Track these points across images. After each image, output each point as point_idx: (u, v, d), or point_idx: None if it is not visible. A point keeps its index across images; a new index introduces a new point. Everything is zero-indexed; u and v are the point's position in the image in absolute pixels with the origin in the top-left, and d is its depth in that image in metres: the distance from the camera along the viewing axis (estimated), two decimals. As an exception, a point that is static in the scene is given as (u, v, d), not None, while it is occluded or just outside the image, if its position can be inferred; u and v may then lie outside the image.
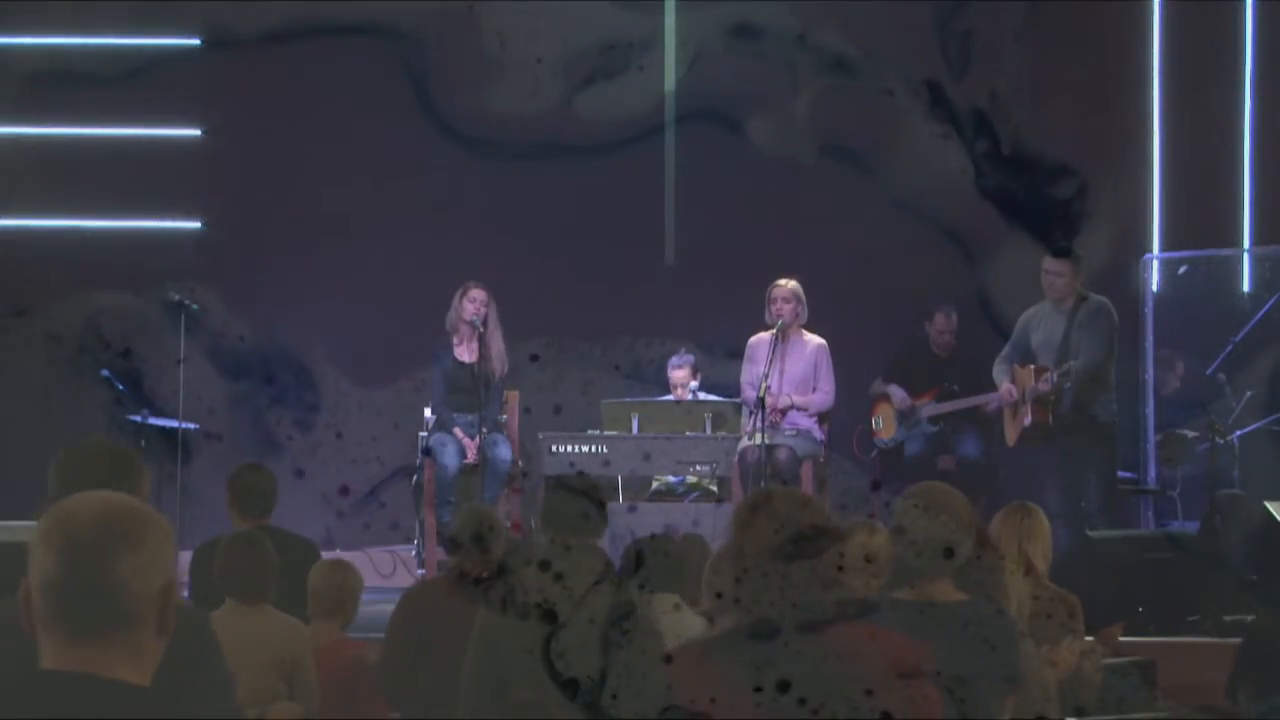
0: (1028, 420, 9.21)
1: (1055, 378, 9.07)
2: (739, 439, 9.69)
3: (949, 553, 4.17)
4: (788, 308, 9.83)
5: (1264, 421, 10.19)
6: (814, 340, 9.98)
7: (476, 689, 5.00)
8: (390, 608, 6.09)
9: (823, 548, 3.41)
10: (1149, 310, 10.64)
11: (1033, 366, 9.25)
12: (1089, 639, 5.89)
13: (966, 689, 4.00)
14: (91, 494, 2.41)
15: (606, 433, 9.89)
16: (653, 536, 6.18)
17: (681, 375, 10.37)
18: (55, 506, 2.40)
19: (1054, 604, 5.73)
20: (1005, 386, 9.34)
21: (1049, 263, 9.30)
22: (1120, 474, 9.78)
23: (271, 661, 5.49)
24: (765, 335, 9.96)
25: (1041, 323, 9.37)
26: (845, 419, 10.40)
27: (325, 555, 6.97)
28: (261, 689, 5.37)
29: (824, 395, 9.93)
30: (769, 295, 9.89)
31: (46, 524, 2.37)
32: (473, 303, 9.98)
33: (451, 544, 5.80)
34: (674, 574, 5.76)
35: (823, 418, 10.00)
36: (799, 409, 9.87)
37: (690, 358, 10.46)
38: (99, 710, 2.31)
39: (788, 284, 9.87)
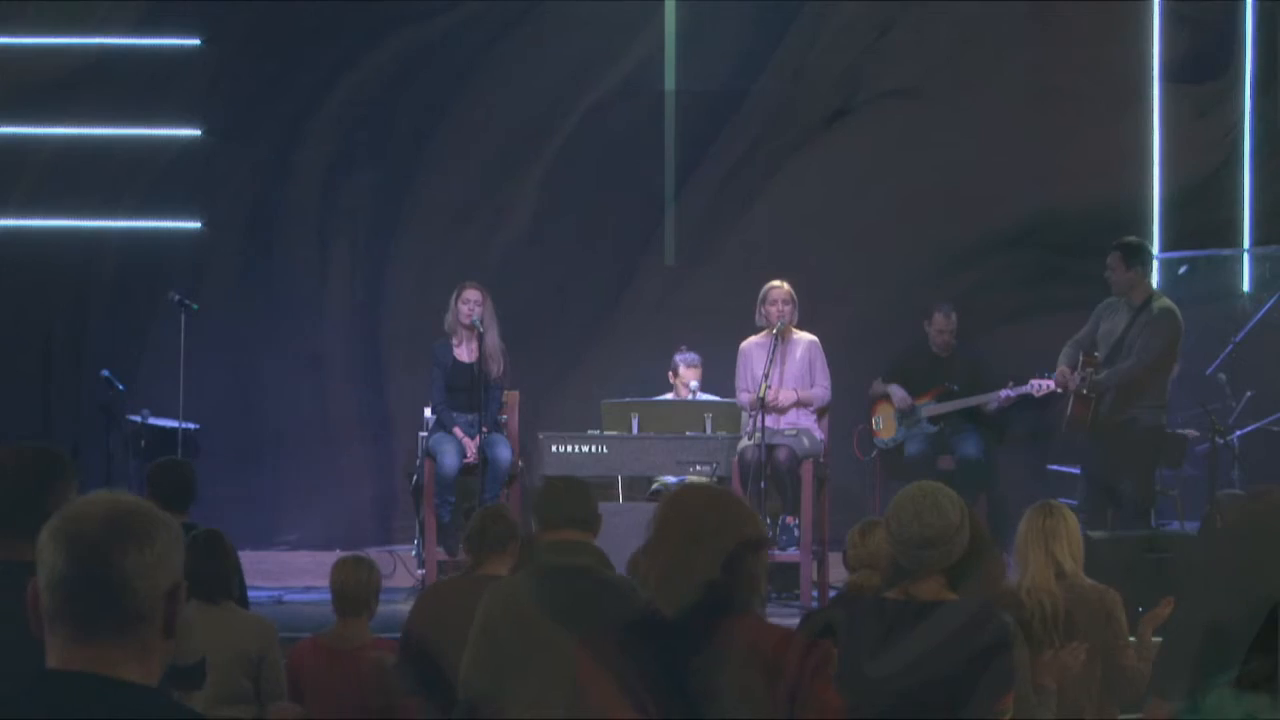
0: (1070, 412, 9.35)
1: (1081, 377, 9.20)
2: (739, 439, 9.70)
3: (938, 552, 4.14)
4: (787, 309, 9.88)
5: (1264, 421, 10.19)
6: (806, 337, 10.03)
7: (474, 681, 5.01)
8: (392, 608, 6.07)
9: (733, 544, 3.47)
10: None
11: (1083, 356, 9.37)
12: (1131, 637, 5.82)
13: (954, 689, 3.99)
14: (100, 494, 2.41)
15: (606, 433, 9.89)
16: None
17: (692, 374, 10.37)
18: (65, 506, 2.40)
19: (1092, 601, 5.68)
20: (1061, 370, 9.47)
21: (1108, 257, 9.45)
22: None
23: (237, 658, 5.46)
24: (757, 338, 10.00)
25: (1111, 314, 9.49)
26: (845, 419, 10.40)
27: (323, 555, 6.93)
28: (229, 686, 5.35)
29: (822, 390, 9.99)
30: (764, 297, 9.93)
31: (55, 523, 2.37)
32: (466, 304, 9.97)
33: (472, 543, 5.78)
34: None
35: (821, 413, 10.02)
36: (802, 404, 9.90)
37: (698, 356, 10.47)
38: (106, 710, 2.31)
39: (783, 286, 9.93)
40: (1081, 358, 9.35)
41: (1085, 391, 9.22)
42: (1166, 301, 9.42)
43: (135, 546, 2.35)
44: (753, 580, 3.52)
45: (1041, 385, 9.74)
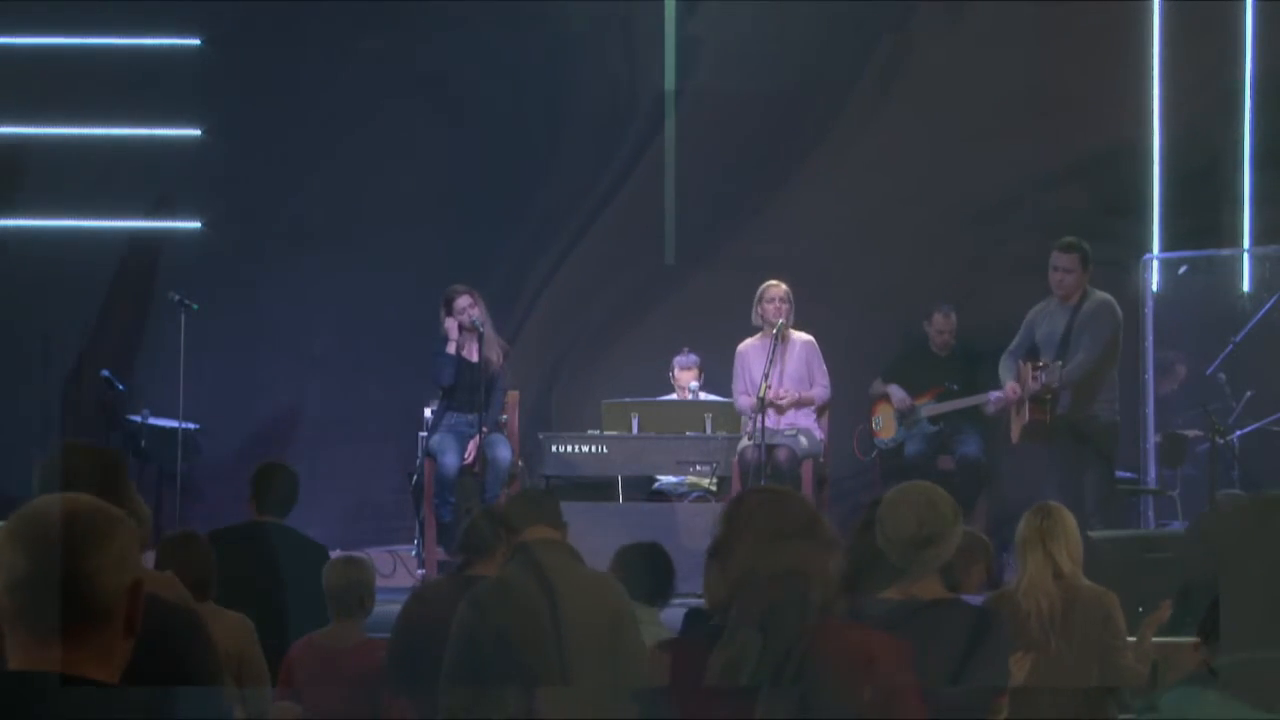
0: (1026, 419, 9.21)
1: (1043, 376, 9.09)
2: (739, 439, 9.70)
3: (936, 551, 4.14)
4: (785, 308, 9.88)
5: (1264, 421, 10.18)
6: (802, 337, 10.03)
7: (454, 682, 5.00)
8: (392, 608, 6.06)
9: (807, 544, 3.43)
10: (1149, 310, 10.63)
11: (1030, 364, 9.25)
12: (1130, 638, 5.82)
13: (954, 689, 3.99)
14: (58, 494, 2.41)
15: (606, 433, 9.89)
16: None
17: (688, 376, 10.39)
18: (23, 507, 2.40)
19: (1089, 603, 5.67)
20: (1010, 385, 9.34)
21: (1057, 258, 9.26)
22: (1120, 474, 9.77)
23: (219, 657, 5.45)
24: (753, 341, 10.00)
25: (1046, 318, 9.35)
26: (845, 419, 10.40)
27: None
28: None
29: (822, 389, 10.00)
30: (760, 296, 9.93)
31: (14, 524, 2.37)
32: (463, 313, 9.96)
33: (466, 544, 5.78)
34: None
35: (820, 411, 10.03)
36: (803, 404, 9.90)
37: (696, 358, 10.47)
38: (68, 709, 2.31)
39: (780, 286, 9.92)
40: (1030, 366, 9.25)
41: (1051, 390, 9.12)
42: (1102, 294, 9.33)
43: (95, 545, 2.36)
44: (828, 582, 3.48)
45: (999, 398, 9.70)
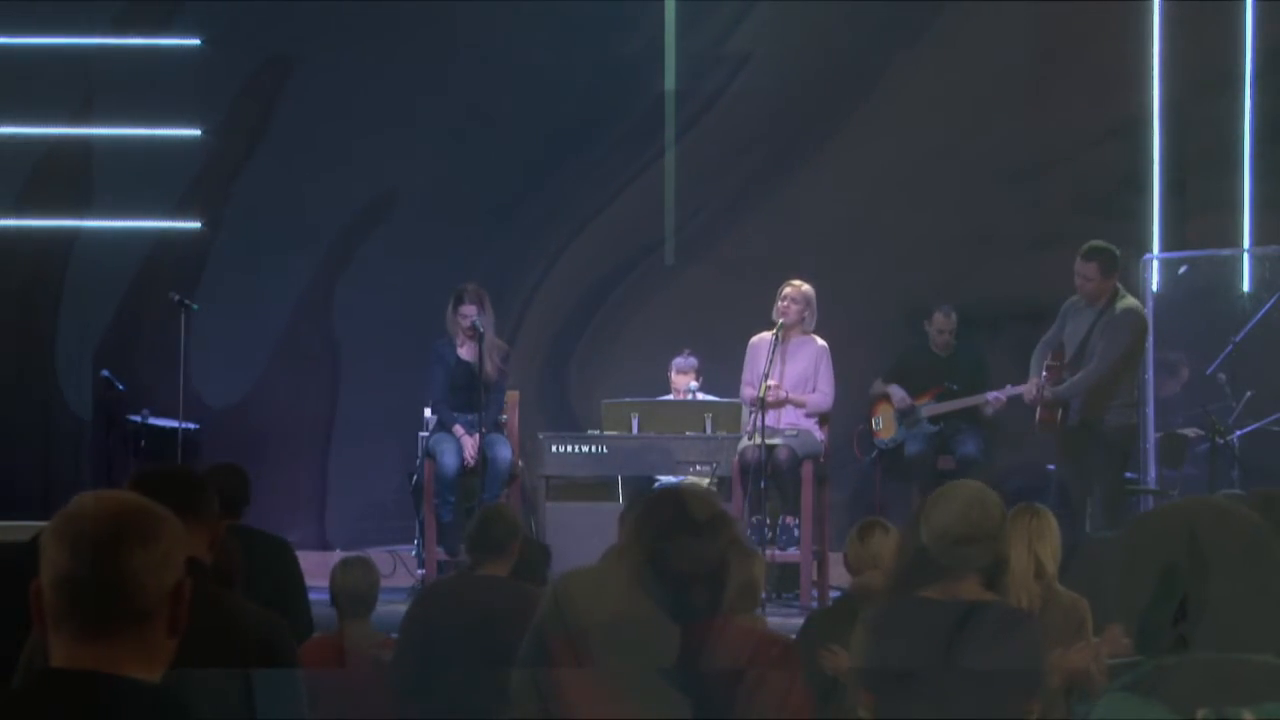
0: (1038, 417, 9.25)
1: (1040, 384, 9.13)
2: (739, 439, 9.70)
3: (979, 549, 4.13)
4: (794, 309, 9.86)
5: (1264, 421, 10.19)
6: (816, 342, 10.01)
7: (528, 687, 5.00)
8: (391, 607, 6.07)
9: (711, 544, 3.46)
10: (1149, 310, 10.63)
11: (1048, 362, 9.27)
12: (1094, 640, 5.84)
13: (992, 690, 3.99)
14: (103, 492, 2.41)
15: (606, 433, 9.90)
16: None
17: (685, 379, 10.38)
18: (68, 504, 2.40)
19: (1065, 607, 5.69)
20: (1032, 381, 9.32)
21: (1078, 265, 9.24)
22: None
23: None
24: (768, 335, 9.99)
25: (1075, 315, 9.36)
26: (845, 419, 10.40)
27: (322, 555, 6.92)
28: None
29: (822, 396, 9.96)
30: (779, 292, 9.91)
31: (59, 521, 2.37)
32: (465, 319, 9.97)
33: (477, 544, 5.78)
34: None
35: (823, 418, 10.02)
36: (795, 405, 9.89)
37: (695, 361, 10.46)
38: (110, 708, 2.31)
39: (800, 286, 9.90)
40: (1046, 366, 9.27)
41: (1050, 399, 9.15)
42: (1130, 300, 9.31)
43: (140, 544, 2.36)
44: (730, 581, 3.50)
45: (998, 398, 9.71)
